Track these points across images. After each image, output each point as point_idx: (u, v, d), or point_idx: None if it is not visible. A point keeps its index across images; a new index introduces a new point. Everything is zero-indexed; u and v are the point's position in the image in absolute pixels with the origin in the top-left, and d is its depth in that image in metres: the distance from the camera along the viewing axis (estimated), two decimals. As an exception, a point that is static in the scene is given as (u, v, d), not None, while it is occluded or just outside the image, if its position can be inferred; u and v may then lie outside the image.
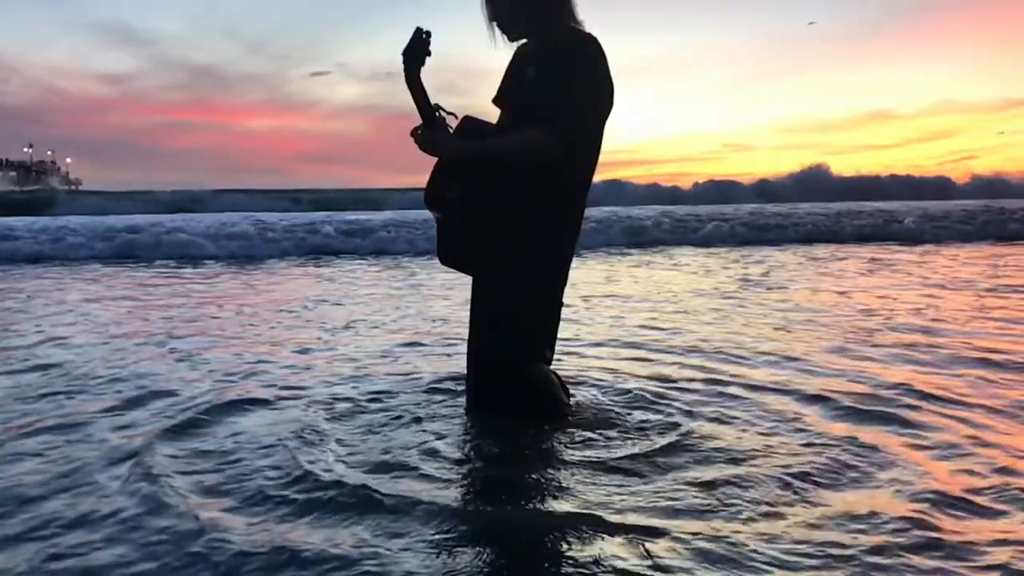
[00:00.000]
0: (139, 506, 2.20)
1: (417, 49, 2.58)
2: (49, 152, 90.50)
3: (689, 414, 2.99)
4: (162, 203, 20.76)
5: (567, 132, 2.56)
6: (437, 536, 1.98)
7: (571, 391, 3.08)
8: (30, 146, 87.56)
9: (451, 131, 2.68)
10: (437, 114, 2.65)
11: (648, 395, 3.26)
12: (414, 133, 2.71)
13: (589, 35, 2.66)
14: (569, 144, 2.58)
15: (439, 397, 3.26)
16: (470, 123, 2.71)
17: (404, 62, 2.60)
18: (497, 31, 2.76)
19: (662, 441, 2.67)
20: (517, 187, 2.65)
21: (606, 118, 2.69)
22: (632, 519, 2.05)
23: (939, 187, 26.88)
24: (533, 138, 2.56)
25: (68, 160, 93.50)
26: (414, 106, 2.66)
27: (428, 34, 2.57)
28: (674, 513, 2.10)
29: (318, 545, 1.92)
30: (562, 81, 2.57)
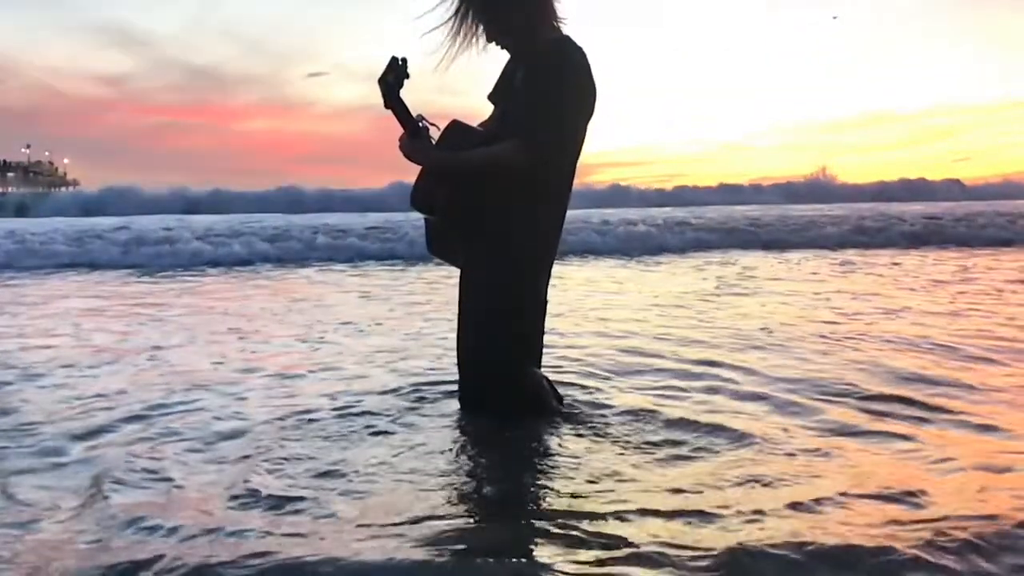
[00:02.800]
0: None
1: (395, 75, 2.58)
2: (47, 153, 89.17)
3: (684, 416, 2.88)
4: (152, 204, 20.18)
5: (541, 144, 2.55)
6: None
7: (560, 393, 2.98)
8: (28, 147, 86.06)
9: (434, 140, 2.68)
10: (421, 124, 2.65)
11: (637, 398, 3.15)
12: (400, 142, 2.71)
13: (573, 43, 2.64)
14: (542, 155, 2.56)
15: (408, 406, 3.08)
16: (456, 128, 2.68)
17: (381, 89, 2.59)
18: (457, 43, 2.68)
19: (659, 446, 2.56)
20: (499, 191, 2.62)
21: (586, 124, 2.69)
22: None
23: (946, 191, 26.68)
24: (506, 153, 2.56)
25: (66, 161, 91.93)
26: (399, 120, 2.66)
27: (404, 61, 2.58)
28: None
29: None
30: (542, 90, 2.57)
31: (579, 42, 2.66)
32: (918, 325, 4.86)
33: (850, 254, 10.89)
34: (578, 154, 2.71)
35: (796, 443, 2.58)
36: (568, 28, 2.71)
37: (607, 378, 3.48)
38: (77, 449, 2.60)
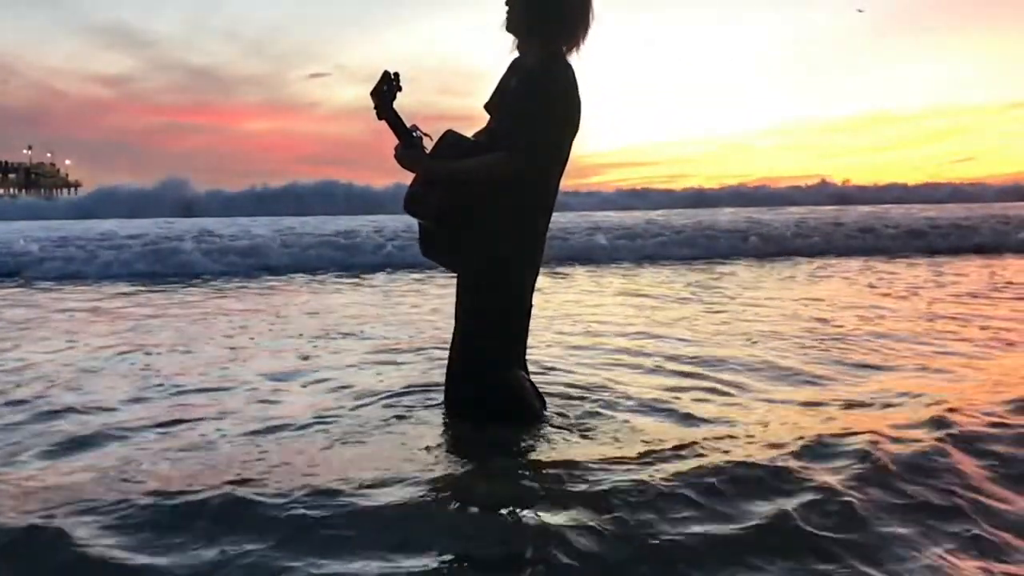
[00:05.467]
0: None
1: (387, 88, 2.63)
2: (48, 154, 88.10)
3: (680, 415, 2.90)
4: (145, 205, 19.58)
5: (528, 154, 2.61)
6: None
7: (543, 395, 2.96)
8: (29, 148, 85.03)
9: (427, 149, 2.72)
10: (415, 134, 2.70)
11: (626, 399, 3.14)
12: (395, 151, 2.77)
13: (565, 61, 2.73)
14: (530, 165, 2.62)
15: (393, 409, 3.04)
16: (450, 137, 2.73)
17: (375, 102, 2.64)
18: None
19: (649, 445, 2.55)
20: (488, 196, 2.68)
21: (572, 138, 2.75)
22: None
23: (950, 194, 26.64)
24: (496, 163, 2.63)
25: (67, 162, 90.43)
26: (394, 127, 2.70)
27: (396, 75, 2.64)
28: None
29: None
30: (533, 102, 2.64)
31: (583, 45, 2.73)
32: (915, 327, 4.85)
33: (842, 259, 10.85)
34: (564, 165, 2.79)
35: (791, 438, 2.60)
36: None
37: (593, 379, 3.45)
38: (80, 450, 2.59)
